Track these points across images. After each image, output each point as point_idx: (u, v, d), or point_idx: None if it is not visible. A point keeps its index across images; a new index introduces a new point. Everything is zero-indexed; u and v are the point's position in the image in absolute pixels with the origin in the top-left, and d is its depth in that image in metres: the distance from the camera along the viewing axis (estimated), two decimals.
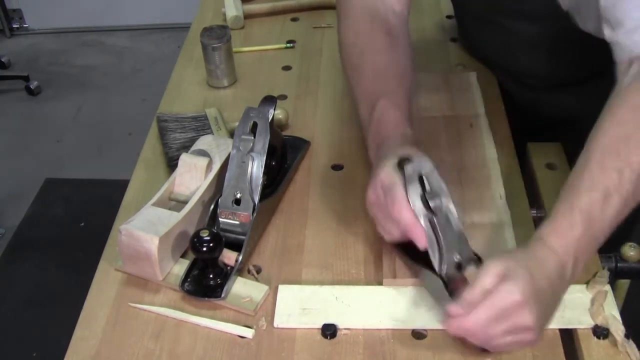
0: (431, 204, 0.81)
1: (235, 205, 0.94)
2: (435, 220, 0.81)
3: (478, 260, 0.82)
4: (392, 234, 0.84)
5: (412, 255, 0.86)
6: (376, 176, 0.84)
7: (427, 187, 0.81)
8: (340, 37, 1.06)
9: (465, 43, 1.32)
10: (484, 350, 0.79)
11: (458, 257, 0.81)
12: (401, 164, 0.82)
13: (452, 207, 0.82)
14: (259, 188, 0.94)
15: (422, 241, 0.80)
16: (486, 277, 0.74)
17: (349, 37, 1.04)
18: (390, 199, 0.81)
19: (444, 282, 0.81)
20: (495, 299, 0.73)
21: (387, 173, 0.82)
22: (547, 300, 0.75)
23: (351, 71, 1.02)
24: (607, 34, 0.84)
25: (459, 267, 0.82)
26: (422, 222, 0.80)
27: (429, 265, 0.82)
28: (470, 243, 0.84)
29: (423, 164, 0.82)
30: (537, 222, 0.99)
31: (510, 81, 1.22)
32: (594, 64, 0.95)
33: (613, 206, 0.76)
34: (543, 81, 1.16)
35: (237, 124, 0.97)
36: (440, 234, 0.81)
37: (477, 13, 1.17)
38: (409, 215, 0.80)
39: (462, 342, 0.80)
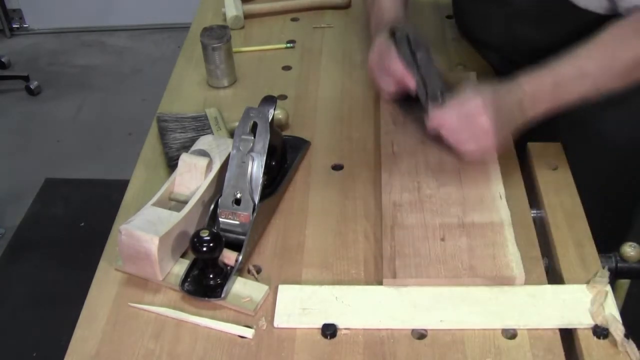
0: (417, 54, 1.04)
1: (235, 205, 0.94)
2: (420, 65, 1.04)
3: (451, 89, 1.03)
4: (389, 87, 1.09)
5: (407, 108, 1.12)
6: (374, 44, 1.09)
7: (413, 43, 1.04)
8: None
9: (459, 20, 1.34)
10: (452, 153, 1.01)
11: (439, 88, 1.03)
12: (393, 32, 1.07)
13: (431, 55, 1.05)
14: (259, 188, 0.94)
15: (411, 82, 1.04)
16: (461, 92, 0.97)
17: None
18: (386, 57, 1.06)
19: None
20: (462, 104, 0.96)
21: (382, 39, 1.08)
22: (504, 118, 0.95)
23: None
24: None
25: (442, 97, 1.02)
26: (411, 69, 1.04)
27: (418, 110, 1.05)
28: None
29: (408, 27, 1.06)
30: (537, 222, 0.99)
31: (502, 59, 1.22)
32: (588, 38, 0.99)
33: (582, 86, 0.95)
34: (538, 56, 1.16)
35: (237, 124, 0.98)
36: (424, 74, 1.03)
37: None
38: (400, 67, 1.04)
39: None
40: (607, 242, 0.97)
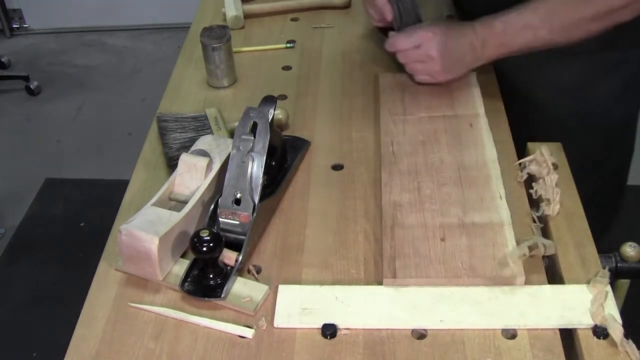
0: None
1: (235, 205, 0.94)
2: (399, 2, 1.20)
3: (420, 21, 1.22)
4: (374, 17, 1.26)
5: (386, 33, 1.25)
6: None
7: None
8: None
9: (461, 13, 1.38)
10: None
11: (411, 20, 1.21)
12: None
13: None
14: (259, 188, 0.94)
15: (389, 16, 1.21)
16: (420, 25, 1.17)
17: None
18: None
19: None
20: (415, 32, 1.14)
21: None
22: (453, 52, 1.12)
23: None
24: None
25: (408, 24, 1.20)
26: (390, 3, 1.20)
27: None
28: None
29: None
30: (537, 222, 0.99)
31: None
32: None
33: (525, 36, 1.07)
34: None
35: (237, 124, 0.98)
36: (401, 10, 1.21)
37: None
38: (383, 1, 1.20)
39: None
40: (607, 242, 0.97)
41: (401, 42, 1.16)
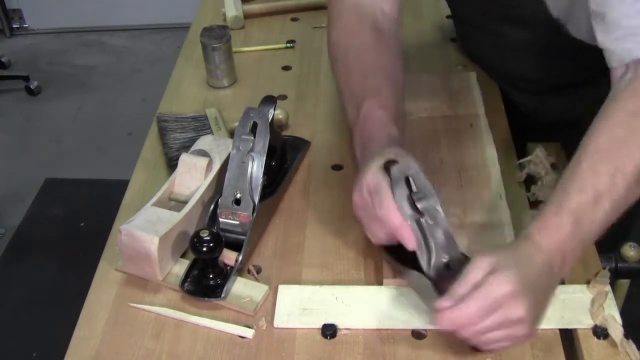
0: (419, 205, 0.81)
1: (235, 205, 0.94)
2: (422, 222, 0.81)
3: (466, 260, 0.79)
4: (378, 236, 0.84)
5: (399, 257, 0.86)
6: (362, 178, 0.83)
7: (414, 188, 0.81)
8: (329, 37, 1.06)
9: (463, 44, 1.33)
10: (475, 349, 0.78)
11: (446, 257, 0.81)
12: (387, 165, 0.82)
13: (439, 207, 0.81)
14: (259, 188, 0.94)
15: (410, 242, 0.80)
16: (475, 270, 0.74)
17: (338, 37, 1.04)
18: (377, 201, 0.81)
19: (433, 283, 0.81)
20: (485, 290, 0.72)
21: (373, 175, 0.82)
22: (536, 295, 0.75)
23: (338, 71, 1.01)
24: (599, 39, 0.85)
25: (448, 267, 0.81)
26: (410, 223, 0.80)
27: (416, 266, 0.82)
28: (459, 243, 0.83)
29: (409, 165, 0.82)
30: None
31: (505, 84, 1.22)
32: (589, 68, 0.96)
33: (603, 209, 0.77)
34: (538, 85, 1.16)
35: (237, 124, 0.97)
36: (428, 234, 0.80)
37: (470, 18, 1.18)
38: (397, 216, 0.80)
39: (454, 341, 0.79)
40: (607, 242, 0.97)
41: (468, 311, 0.73)
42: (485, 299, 0.72)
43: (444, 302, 0.74)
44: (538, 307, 0.76)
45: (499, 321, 0.73)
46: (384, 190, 0.81)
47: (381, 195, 0.80)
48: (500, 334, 0.74)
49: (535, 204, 1.00)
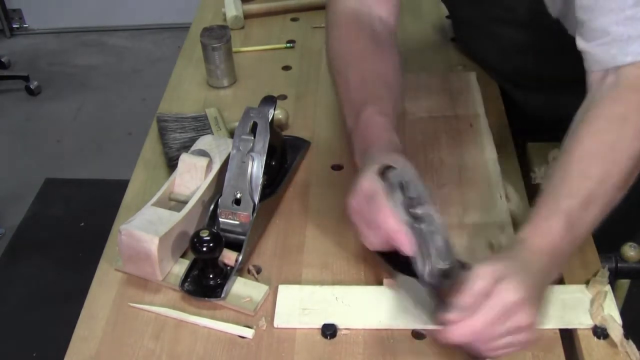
0: (415, 211, 0.80)
1: (235, 205, 0.94)
2: (419, 227, 0.80)
3: (463, 267, 0.80)
4: (373, 242, 0.83)
5: (393, 262, 0.85)
6: (358, 184, 0.83)
7: (411, 195, 0.81)
8: (327, 45, 1.06)
9: (462, 44, 1.33)
10: (475, 357, 0.77)
11: (443, 264, 0.79)
12: (383, 172, 0.82)
13: (435, 214, 0.80)
14: (259, 188, 0.94)
15: (407, 248, 0.79)
16: (479, 280, 0.73)
17: (336, 45, 1.04)
18: (374, 207, 0.80)
19: (429, 289, 0.80)
20: (495, 299, 0.72)
21: (369, 181, 0.82)
22: (539, 299, 0.76)
23: (338, 79, 1.01)
24: (580, 44, 0.86)
25: (444, 274, 0.79)
26: (406, 229, 0.79)
27: (411, 272, 0.81)
28: (459, 243, 0.84)
29: (405, 172, 0.82)
30: None
31: (505, 83, 1.22)
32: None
33: (593, 213, 0.79)
34: (537, 83, 1.16)
35: (237, 124, 0.97)
36: (424, 240, 0.79)
37: (468, 19, 1.19)
38: (393, 222, 0.79)
39: (453, 349, 0.78)
40: (607, 242, 0.96)
41: (480, 323, 0.72)
42: (495, 309, 0.72)
43: (451, 315, 0.73)
44: (539, 310, 0.77)
45: (509, 329, 0.73)
46: (380, 196, 0.80)
47: (378, 201, 0.80)
48: (508, 340, 0.74)
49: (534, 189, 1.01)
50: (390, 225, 0.79)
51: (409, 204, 0.80)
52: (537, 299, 0.75)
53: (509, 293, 0.72)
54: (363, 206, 0.82)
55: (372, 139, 0.90)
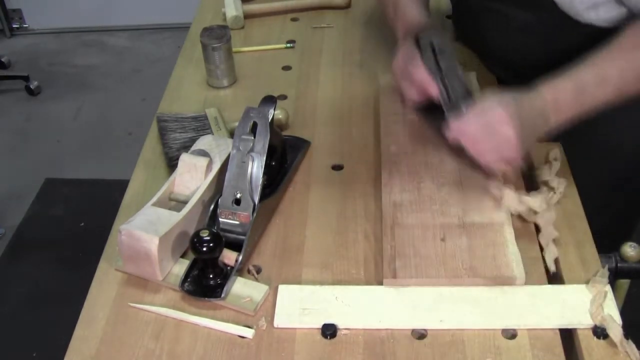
0: (441, 64, 1.02)
1: (235, 205, 0.94)
2: (444, 76, 1.02)
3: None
4: (413, 95, 1.08)
5: (429, 116, 1.10)
6: (399, 51, 1.08)
7: (438, 52, 1.03)
8: None
9: (462, 36, 1.33)
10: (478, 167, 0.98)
11: (463, 102, 1.00)
12: (417, 38, 1.05)
13: (457, 64, 1.04)
14: (259, 188, 0.94)
15: (435, 92, 1.02)
16: (481, 103, 0.95)
17: None
18: (410, 66, 1.05)
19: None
20: (484, 113, 0.94)
21: (407, 47, 1.07)
22: (525, 127, 0.92)
23: None
24: None
25: (463, 110, 0.98)
26: (434, 77, 1.02)
27: (442, 120, 1.01)
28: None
29: (433, 35, 1.04)
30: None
31: (505, 72, 1.22)
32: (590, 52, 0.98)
33: (604, 91, 0.93)
34: (539, 70, 1.16)
35: (237, 124, 0.98)
36: (448, 85, 1.02)
37: (474, 1, 1.18)
38: (424, 75, 1.03)
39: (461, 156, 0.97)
40: (607, 242, 0.97)
41: (470, 128, 0.95)
42: (482, 116, 0.94)
43: (455, 121, 0.97)
44: (526, 139, 0.93)
45: (490, 134, 0.93)
46: (415, 57, 1.04)
47: (413, 61, 1.04)
48: (490, 145, 0.94)
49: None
50: (423, 77, 1.03)
51: (437, 59, 1.03)
52: (523, 125, 0.92)
53: (497, 109, 0.92)
54: (403, 68, 1.07)
55: (409, 21, 1.11)
